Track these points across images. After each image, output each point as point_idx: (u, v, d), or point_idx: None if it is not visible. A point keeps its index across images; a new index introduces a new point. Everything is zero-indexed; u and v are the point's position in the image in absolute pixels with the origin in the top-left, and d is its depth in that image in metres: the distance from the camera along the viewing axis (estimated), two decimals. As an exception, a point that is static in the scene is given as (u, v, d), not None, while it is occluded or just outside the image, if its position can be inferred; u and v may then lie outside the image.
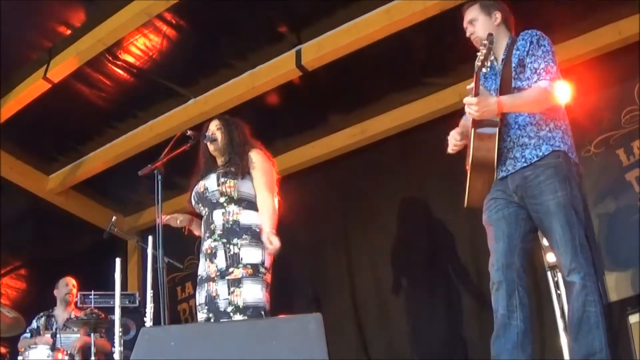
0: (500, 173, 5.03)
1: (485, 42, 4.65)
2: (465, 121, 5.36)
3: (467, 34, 5.30)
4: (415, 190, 9.35)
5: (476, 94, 4.70)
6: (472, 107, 4.66)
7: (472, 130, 4.88)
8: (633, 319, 6.81)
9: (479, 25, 5.22)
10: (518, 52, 5.02)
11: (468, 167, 5.10)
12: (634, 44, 7.76)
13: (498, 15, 5.19)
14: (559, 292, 7.38)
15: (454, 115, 7.91)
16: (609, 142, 7.83)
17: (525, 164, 4.91)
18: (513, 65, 5.01)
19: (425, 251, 9.08)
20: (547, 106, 4.92)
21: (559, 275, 7.32)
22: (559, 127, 5.01)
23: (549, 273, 7.41)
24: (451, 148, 5.27)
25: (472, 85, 4.74)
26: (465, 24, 5.31)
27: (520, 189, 4.93)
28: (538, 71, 4.90)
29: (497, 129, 4.88)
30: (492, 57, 5.06)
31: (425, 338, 8.75)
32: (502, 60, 5.14)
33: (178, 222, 6.27)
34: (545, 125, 4.95)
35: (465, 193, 5.26)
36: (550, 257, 7.39)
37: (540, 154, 4.88)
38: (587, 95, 7.83)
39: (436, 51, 8.42)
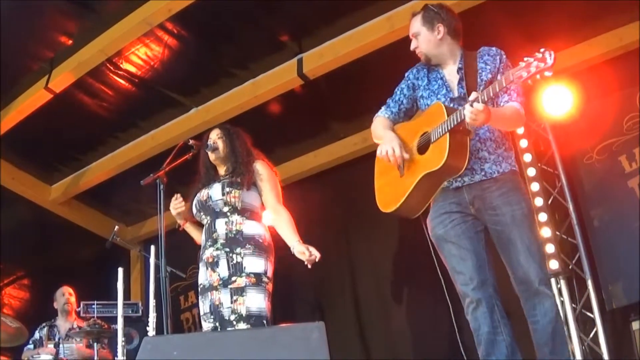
0: (455, 183, 4.95)
1: (542, 64, 4.21)
2: (388, 120, 5.49)
3: (412, 47, 5.25)
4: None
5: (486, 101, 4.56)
6: (479, 115, 4.47)
7: (447, 135, 4.73)
8: (636, 325, 6.81)
9: (421, 39, 5.17)
10: (488, 67, 4.93)
11: (416, 172, 4.97)
12: (635, 51, 7.77)
13: (441, 29, 5.08)
14: (562, 299, 7.41)
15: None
16: (611, 148, 7.82)
17: (484, 178, 4.88)
18: (483, 79, 4.92)
19: (427, 257, 9.02)
20: (517, 126, 4.95)
21: (562, 282, 7.36)
22: (511, 149, 5.06)
23: (552, 280, 7.41)
24: (388, 157, 5.09)
25: (476, 95, 4.60)
26: (410, 36, 5.27)
27: (477, 200, 4.89)
28: (509, 91, 4.86)
29: (469, 138, 4.80)
30: (437, 67, 5.18)
31: (429, 346, 8.74)
32: (459, 69, 5.06)
33: (178, 203, 6.22)
34: (502, 144, 4.97)
35: (388, 199, 5.33)
36: (553, 264, 7.42)
37: (501, 170, 4.88)
38: (589, 102, 7.84)
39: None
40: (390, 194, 5.23)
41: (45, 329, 8.79)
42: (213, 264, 5.75)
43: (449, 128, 4.69)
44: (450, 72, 5.11)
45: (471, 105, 4.47)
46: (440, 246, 5.08)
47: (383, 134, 5.30)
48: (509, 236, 4.78)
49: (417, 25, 5.19)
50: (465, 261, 4.89)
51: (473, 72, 4.97)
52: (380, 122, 5.46)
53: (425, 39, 5.14)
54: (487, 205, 4.85)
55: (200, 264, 5.92)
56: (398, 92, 5.48)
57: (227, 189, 5.86)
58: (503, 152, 4.93)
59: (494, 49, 5.05)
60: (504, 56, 4.98)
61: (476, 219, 4.94)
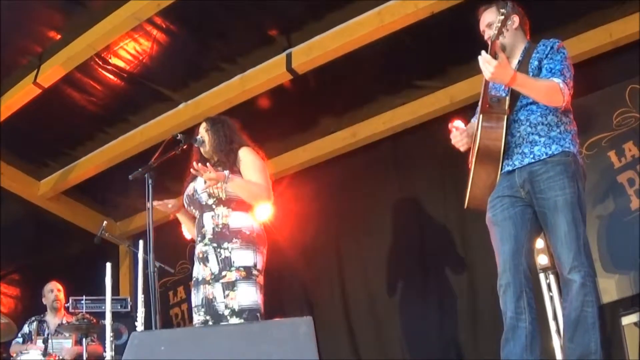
0: (506, 167, 5.03)
1: (503, 10, 4.69)
2: (474, 123, 5.39)
3: (486, 37, 5.20)
4: (407, 192, 9.35)
5: (492, 52, 4.76)
6: (488, 67, 4.65)
7: (480, 116, 4.91)
8: (625, 320, 6.81)
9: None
10: (538, 55, 5.06)
11: (472, 162, 5.11)
12: (624, 46, 7.79)
13: (516, 19, 5.17)
14: (551, 294, 7.39)
15: (445, 118, 7.93)
16: (600, 144, 7.83)
17: (533, 160, 4.92)
18: (532, 67, 5.03)
19: (417, 253, 9.07)
20: (553, 102, 4.91)
21: (551, 277, 7.34)
22: (569, 131, 5.05)
23: (541, 275, 7.41)
24: (457, 142, 5.33)
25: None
26: (482, 27, 5.27)
27: (527, 183, 4.92)
28: (553, 71, 4.94)
29: (505, 117, 4.93)
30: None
31: (417, 340, 8.74)
32: (519, 62, 5.16)
33: (170, 206, 6.14)
34: (556, 127, 4.99)
35: (465, 195, 5.27)
36: (542, 259, 7.40)
37: (550, 152, 4.91)
38: (578, 98, 7.83)
39: (427, 54, 8.42)
40: (467, 190, 5.27)
41: (35, 323, 8.78)
42: (204, 259, 5.74)
43: (480, 108, 4.93)
44: (513, 65, 5.17)
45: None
46: (490, 229, 5.11)
47: None
48: (550, 221, 4.82)
49: (492, 15, 5.15)
50: (503, 244, 4.93)
51: (527, 62, 5.09)
52: (470, 124, 5.49)
53: None
54: (535, 189, 4.89)
55: (194, 258, 5.91)
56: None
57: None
58: (557, 135, 4.96)
59: (552, 39, 5.14)
60: (556, 44, 5.07)
61: (527, 204, 4.98)
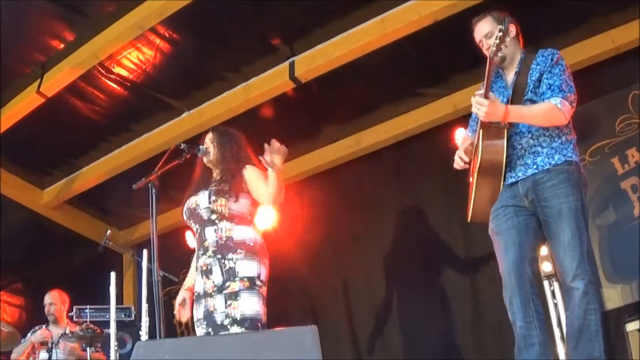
0: (509, 179, 5.01)
1: (501, 26, 4.70)
2: (469, 137, 5.37)
3: (485, 47, 5.15)
4: (409, 200, 9.35)
5: (487, 91, 4.74)
6: (481, 108, 4.70)
7: (481, 131, 4.90)
8: (630, 327, 6.81)
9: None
10: (539, 67, 5.01)
11: (473, 176, 5.09)
12: (627, 53, 7.79)
13: (512, 29, 5.11)
14: (555, 301, 7.38)
15: (448, 126, 7.96)
16: (603, 150, 7.83)
17: (536, 171, 4.91)
18: (532, 79, 5.00)
19: (420, 260, 9.08)
20: (555, 123, 4.91)
21: (555, 284, 7.33)
22: (570, 141, 5.04)
23: (545, 282, 7.41)
24: (457, 164, 5.29)
25: (483, 89, 4.77)
26: (479, 38, 5.21)
27: (530, 192, 4.91)
28: (552, 87, 4.91)
29: (505, 131, 4.90)
30: (502, 69, 5.18)
31: (421, 347, 8.74)
32: (516, 72, 5.12)
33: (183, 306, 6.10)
34: (558, 138, 4.98)
35: (468, 207, 5.25)
36: (546, 267, 7.39)
37: (553, 162, 4.90)
38: (581, 104, 7.83)
39: (430, 62, 8.42)
40: (469, 203, 5.26)
41: (38, 332, 8.77)
42: (207, 272, 5.68)
43: (480, 122, 4.92)
44: (510, 76, 5.19)
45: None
46: (493, 239, 5.09)
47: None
48: (554, 229, 4.80)
49: (489, 25, 5.13)
50: (507, 253, 4.89)
51: (525, 73, 5.05)
52: (464, 138, 5.50)
53: None
54: (539, 197, 4.88)
55: (197, 271, 5.88)
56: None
57: (214, 197, 5.76)
58: (559, 145, 4.96)
59: (549, 50, 5.10)
60: (555, 56, 5.02)
61: (531, 214, 4.95)
